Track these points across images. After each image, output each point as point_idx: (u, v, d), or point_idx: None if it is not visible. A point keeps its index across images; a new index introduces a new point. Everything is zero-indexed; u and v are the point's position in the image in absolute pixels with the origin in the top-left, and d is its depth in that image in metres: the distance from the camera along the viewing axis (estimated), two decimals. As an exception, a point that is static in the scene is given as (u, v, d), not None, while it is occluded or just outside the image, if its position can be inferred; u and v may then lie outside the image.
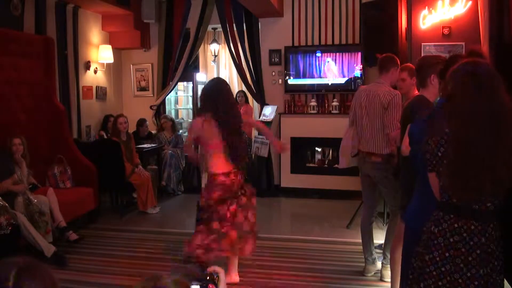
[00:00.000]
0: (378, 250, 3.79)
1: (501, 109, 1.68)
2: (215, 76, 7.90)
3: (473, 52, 2.09)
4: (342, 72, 6.31)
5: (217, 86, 3.37)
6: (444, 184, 1.76)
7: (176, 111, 7.98)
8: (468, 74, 1.73)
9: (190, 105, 7.37)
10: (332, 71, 6.32)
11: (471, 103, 1.69)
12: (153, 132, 6.93)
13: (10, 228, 3.62)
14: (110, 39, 6.95)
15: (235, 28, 6.60)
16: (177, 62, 6.82)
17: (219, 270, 1.30)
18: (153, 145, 6.42)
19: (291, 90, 6.55)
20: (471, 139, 1.67)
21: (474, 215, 1.73)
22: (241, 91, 7.02)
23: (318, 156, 6.72)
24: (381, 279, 3.51)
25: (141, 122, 6.70)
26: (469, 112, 1.69)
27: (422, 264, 1.82)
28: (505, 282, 2.04)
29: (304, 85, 6.50)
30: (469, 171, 1.68)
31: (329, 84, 6.34)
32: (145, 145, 6.30)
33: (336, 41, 6.41)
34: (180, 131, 7.28)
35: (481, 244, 1.72)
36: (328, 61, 6.31)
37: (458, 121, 1.70)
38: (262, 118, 6.50)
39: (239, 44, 6.64)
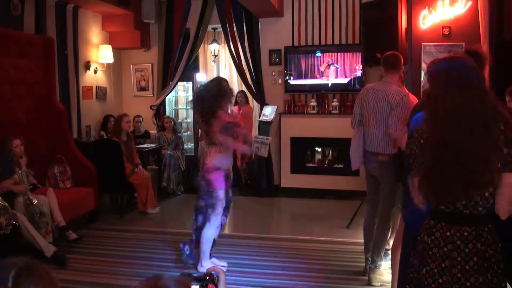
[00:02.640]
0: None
1: (481, 106, 1.59)
2: (215, 76, 7.91)
3: (470, 51, 2.06)
4: (344, 72, 6.31)
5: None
6: (420, 188, 1.66)
7: (176, 111, 7.98)
8: (443, 71, 1.66)
9: (190, 105, 7.36)
10: (332, 74, 6.32)
11: (449, 101, 1.60)
12: (152, 132, 6.93)
13: (10, 228, 3.63)
14: (110, 39, 6.95)
15: (235, 28, 6.61)
16: (177, 62, 6.82)
17: (219, 270, 1.31)
18: (153, 145, 6.42)
19: (291, 90, 6.55)
20: (450, 140, 1.59)
21: (466, 221, 1.64)
22: (241, 91, 7.01)
23: (318, 156, 6.72)
24: (369, 283, 3.45)
25: (134, 118, 6.70)
26: (449, 112, 1.60)
27: (419, 275, 1.73)
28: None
29: (304, 85, 6.50)
30: (445, 173, 1.60)
31: (329, 84, 6.35)
32: (145, 145, 6.30)
33: (336, 41, 6.41)
34: (182, 131, 7.28)
35: (477, 250, 1.62)
36: (329, 65, 6.31)
37: (438, 122, 1.62)
38: (262, 118, 6.50)
39: (239, 44, 6.64)
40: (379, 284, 3.42)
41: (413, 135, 1.73)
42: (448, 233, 1.65)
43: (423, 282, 1.70)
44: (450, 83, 1.62)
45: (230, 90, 3.70)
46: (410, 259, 1.81)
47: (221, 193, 3.64)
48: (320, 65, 6.36)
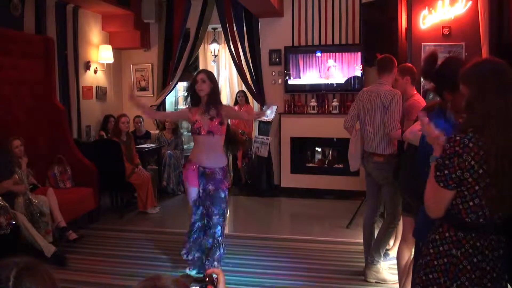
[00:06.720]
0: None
1: None
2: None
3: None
4: (342, 72, 6.31)
5: None
6: (481, 203, 1.59)
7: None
8: (493, 73, 1.60)
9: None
10: (334, 75, 6.32)
11: (502, 105, 1.55)
12: (152, 132, 6.92)
13: (10, 228, 3.63)
14: (110, 39, 6.95)
15: (235, 28, 6.60)
16: (177, 62, 6.82)
17: (218, 271, 1.31)
18: (153, 145, 6.42)
19: (291, 90, 6.54)
20: (506, 146, 1.53)
21: (495, 229, 1.63)
22: (241, 91, 7.02)
23: (318, 156, 6.72)
24: (365, 279, 3.49)
25: (134, 118, 6.67)
26: (503, 116, 1.54)
27: None
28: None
29: (304, 85, 6.50)
30: (505, 183, 1.55)
31: (329, 84, 6.35)
32: (145, 145, 6.30)
33: (336, 41, 6.41)
34: (181, 130, 7.27)
35: (500, 256, 1.63)
36: (331, 65, 6.31)
37: (493, 128, 1.54)
38: (262, 118, 6.50)
39: (239, 44, 6.64)
40: (374, 281, 3.45)
41: (462, 144, 1.57)
42: (478, 244, 1.62)
43: None
44: (500, 85, 1.57)
45: None
46: (430, 275, 1.71)
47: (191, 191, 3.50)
48: (320, 65, 6.36)
